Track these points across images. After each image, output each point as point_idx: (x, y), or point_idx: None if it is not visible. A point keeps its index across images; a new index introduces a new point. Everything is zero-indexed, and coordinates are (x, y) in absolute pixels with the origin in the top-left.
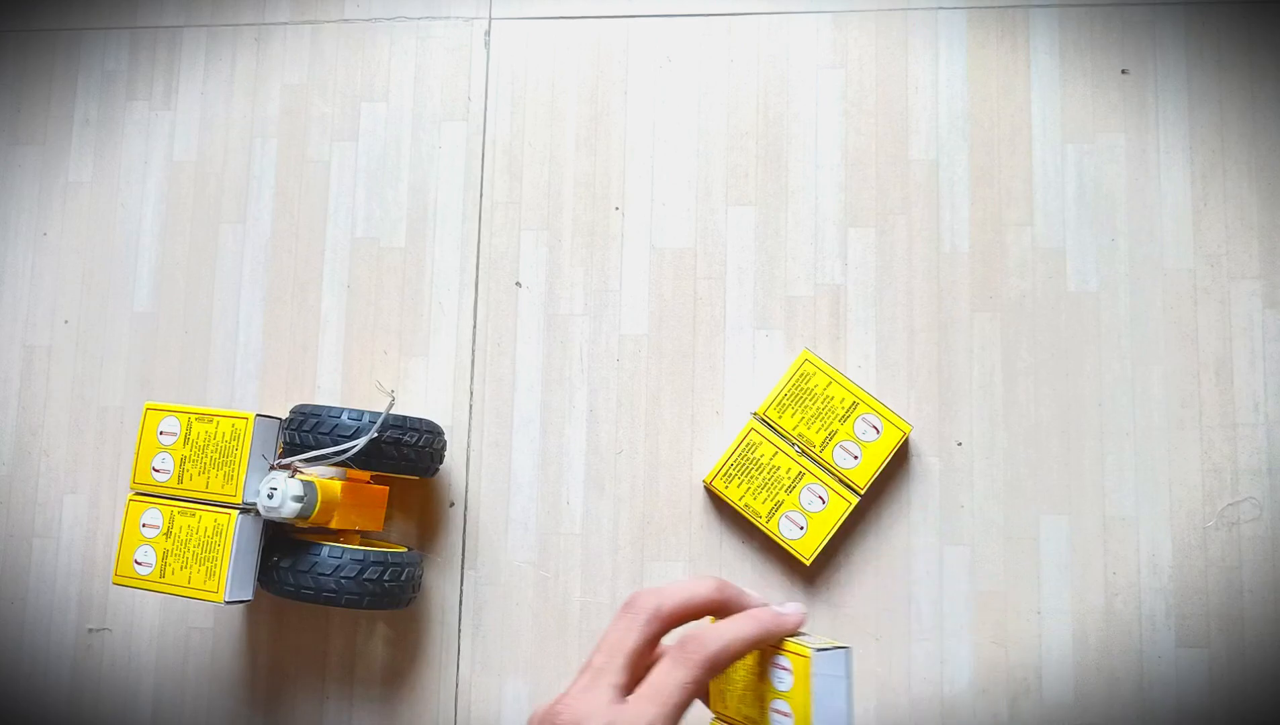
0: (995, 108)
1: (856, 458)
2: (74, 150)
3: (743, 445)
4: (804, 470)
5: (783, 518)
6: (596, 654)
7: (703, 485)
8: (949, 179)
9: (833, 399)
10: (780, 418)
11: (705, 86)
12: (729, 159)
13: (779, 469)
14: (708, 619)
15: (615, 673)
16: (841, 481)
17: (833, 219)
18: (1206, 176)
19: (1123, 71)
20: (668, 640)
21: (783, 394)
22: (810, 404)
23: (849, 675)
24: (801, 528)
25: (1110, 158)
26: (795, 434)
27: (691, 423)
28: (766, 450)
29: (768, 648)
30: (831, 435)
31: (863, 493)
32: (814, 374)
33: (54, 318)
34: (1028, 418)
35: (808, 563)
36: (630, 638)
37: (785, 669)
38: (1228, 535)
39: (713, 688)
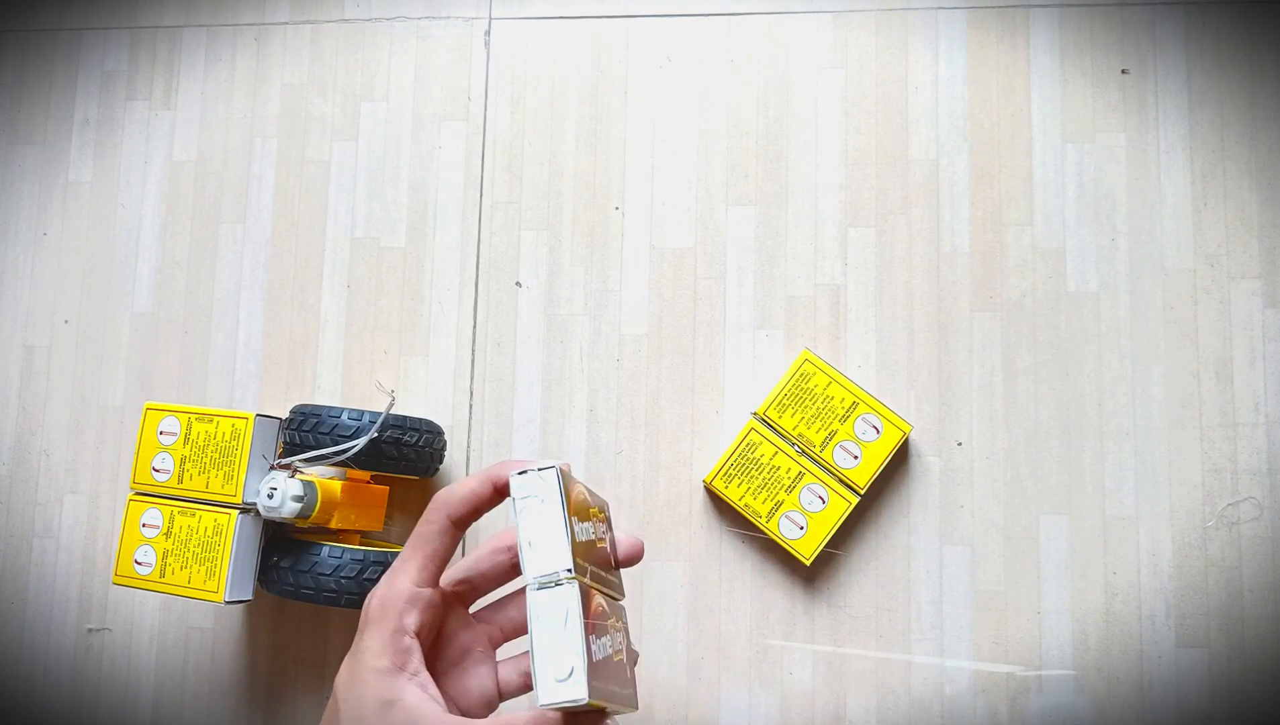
0: (995, 108)
1: (856, 458)
2: (74, 150)
3: (743, 445)
4: (804, 470)
5: (783, 518)
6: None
7: (703, 485)
8: (949, 179)
9: (833, 399)
10: (780, 417)
11: (705, 86)
12: (729, 159)
13: (779, 469)
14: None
15: (402, 559)
16: (841, 481)
17: (833, 219)
18: (1206, 176)
19: (1123, 71)
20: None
21: (783, 394)
22: (810, 404)
23: (561, 494)
24: (801, 528)
25: (1110, 158)
26: (795, 434)
27: (691, 423)
28: (766, 450)
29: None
30: (831, 435)
31: (863, 492)
32: (814, 374)
33: (54, 318)
34: (1028, 418)
35: (808, 563)
36: (416, 528)
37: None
38: (1228, 535)
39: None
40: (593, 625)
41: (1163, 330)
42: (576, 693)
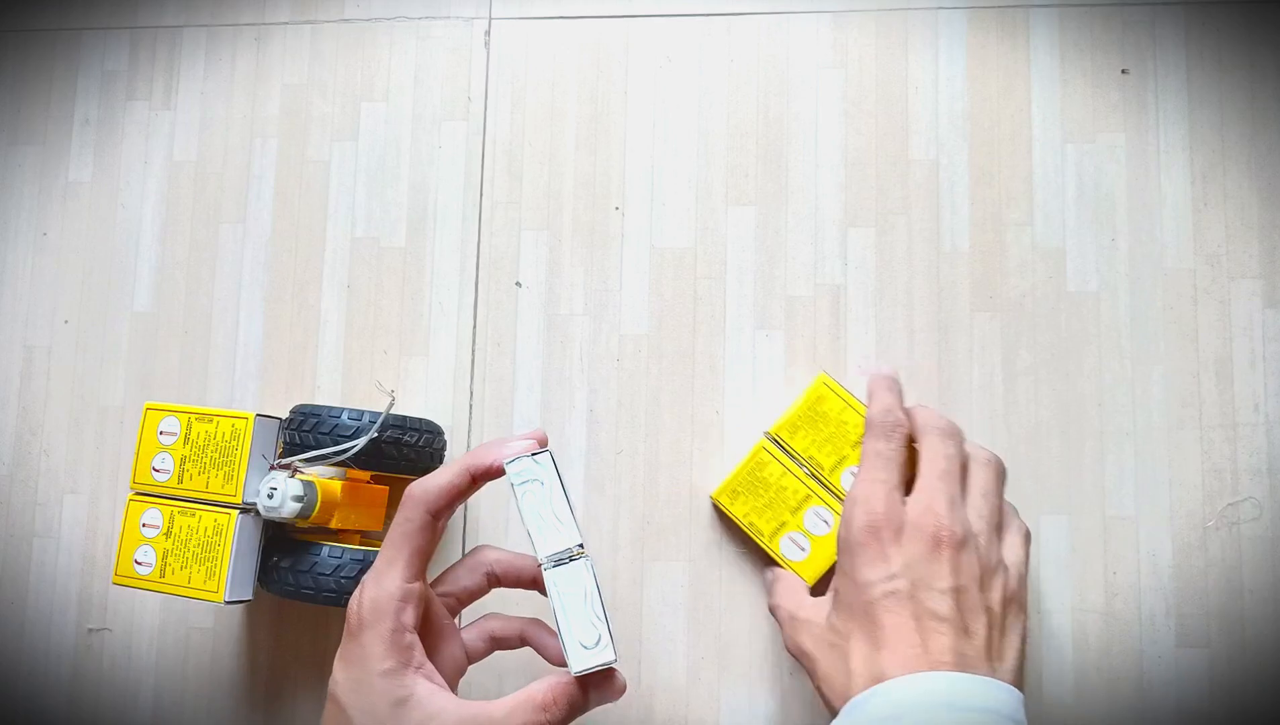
0: (995, 108)
1: None
2: (74, 150)
3: (753, 462)
4: (811, 492)
5: (785, 538)
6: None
7: (709, 498)
8: (949, 179)
9: (846, 424)
10: (792, 439)
11: (705, 86)
12: (729, 159)
13: (785, 489)
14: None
15: (386, 558)
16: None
17: (833, 219)
18: (1206, 176)
19: (1123, 71)
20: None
21: (796, 415)
22: (823, 427)
23: (557, 474)
24: (804, 549)
25: (1110, 158)
26: (805, 456)
27: (691, 423)
28: (775, 469)
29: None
30: (841, 460)
31: None
32: (829, 398)
33: (54, 318)
34: (1028, 418)
35: (810, 585)
36: (397, 528)
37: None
38: (1228, 535)
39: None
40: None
41: (1163, 330)
42: (606, 655)
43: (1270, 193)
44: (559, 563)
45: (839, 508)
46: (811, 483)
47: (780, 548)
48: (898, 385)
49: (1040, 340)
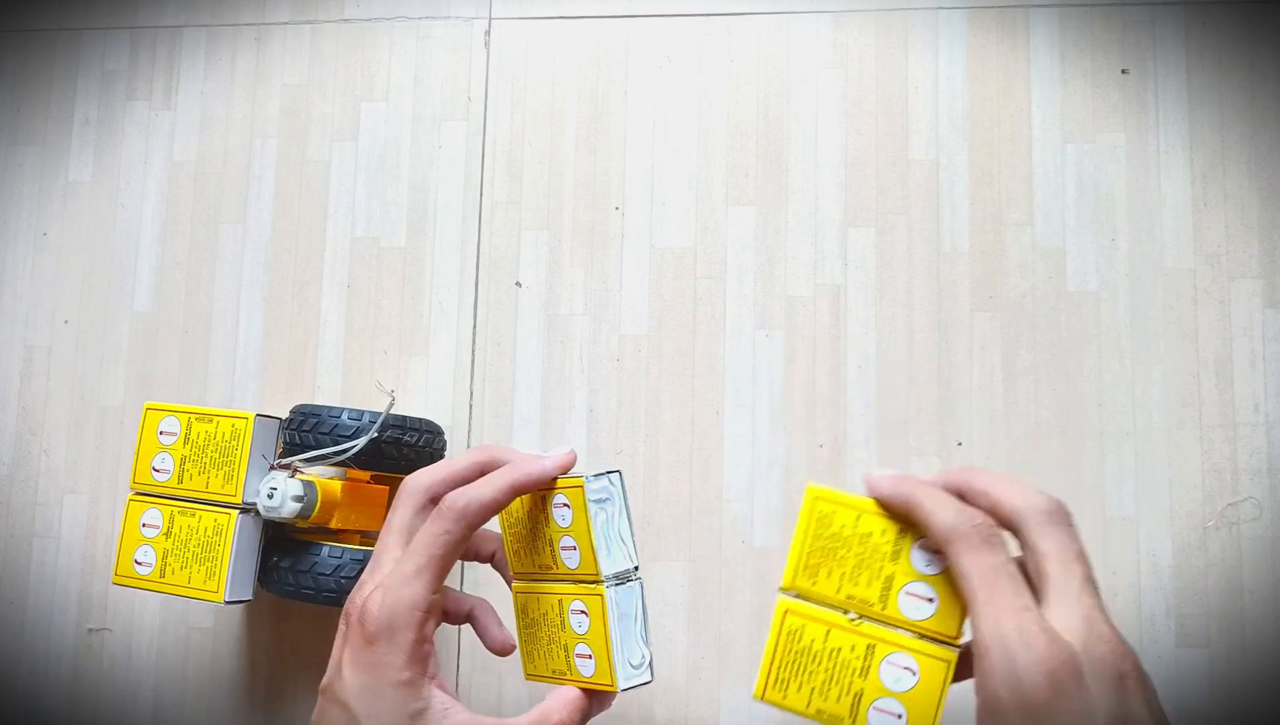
0: (995, 108)
1: (932, 599)
2: (74, 150)
3: (783, 636)
4: (873, 641)
5: (871, 711)
6: (378, 542)
7: (753, 695)
8: (949, 179)
9: (870, 535)
10: (815, 584)
11: (705, 86)
12: (729, 159)
13: (840, 651)
14: None
15: (391, 549)
16: (925, 636)
17: (833, 219)
18: (1206, 176)
19: (1123, 71)
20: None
21: (806, 552)
22: (844, 553)
23: (623, 496)
24: (899, 716)
25: (1110, 158)
26: (842, 598)
27: (691, 423)
28: (815, 632)
29: (547, 493)
30: (889, 583)
31: (959, 641)
32: (833, 512)
33: (54, 318)
34: (1028, 418)
35: None
36: (397, 517)
37: (565, 505)
38: (1228, 535)
39: (510, 553)
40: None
41: (1163, 330)
42: (646, 676)
43: (1270, 193)
44: (620, 582)
45: (916, 644)
46: (867, 628)
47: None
48: (927, 481)
49: (1040, 340)
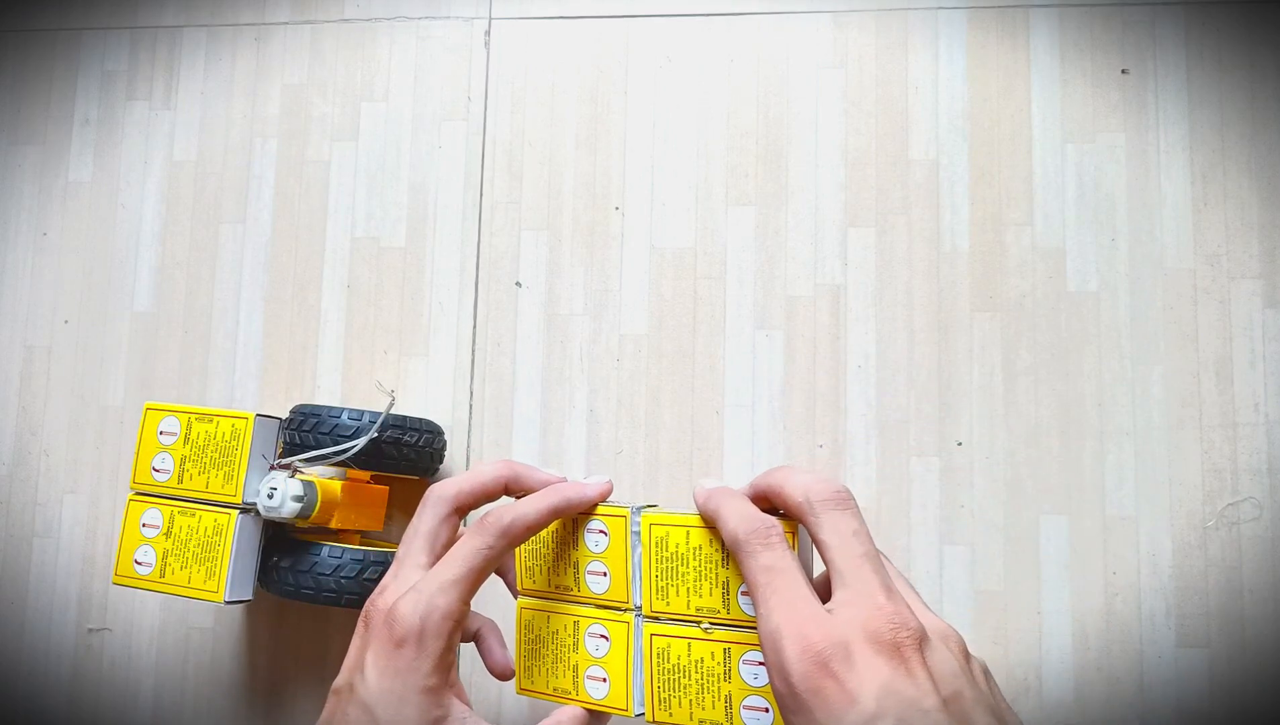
0: (995, 108)
1: None
2: (74, 150)
3: (654, 658)
4: (728, 644)
5: (743, 710)
6: (400, 546)
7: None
8: (949, 179)
9: (701, 548)
10: (669, 604)
11: (705, 86)
12: (729, 159)
13: (704, 661)
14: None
15: (416, 554)
16: None
17: (833, 219)
18: (1206, 176)
19: (1123, 71)
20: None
21: (654, 575)
22: (685, 569)
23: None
24: (767, 710)
25: (1110, 158)
26: (693, 611)
27: (691, 423)
28: (679, 648)
29: (580, 517)
30: (726, 587)
31: None
32: (667, 534)
33: (54, 318)
34: (1028, 418)
35: None
36: (424, 523)
37: (601, 532)
38: (1228, 535)
39: (521, 569)
40: None
41: (1163, 330)
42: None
43: (1270, 193)
44: (637, 613)
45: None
46: (722, 634)
47: (745, 723)
48: (734, 489)
49: (1040, 340)
